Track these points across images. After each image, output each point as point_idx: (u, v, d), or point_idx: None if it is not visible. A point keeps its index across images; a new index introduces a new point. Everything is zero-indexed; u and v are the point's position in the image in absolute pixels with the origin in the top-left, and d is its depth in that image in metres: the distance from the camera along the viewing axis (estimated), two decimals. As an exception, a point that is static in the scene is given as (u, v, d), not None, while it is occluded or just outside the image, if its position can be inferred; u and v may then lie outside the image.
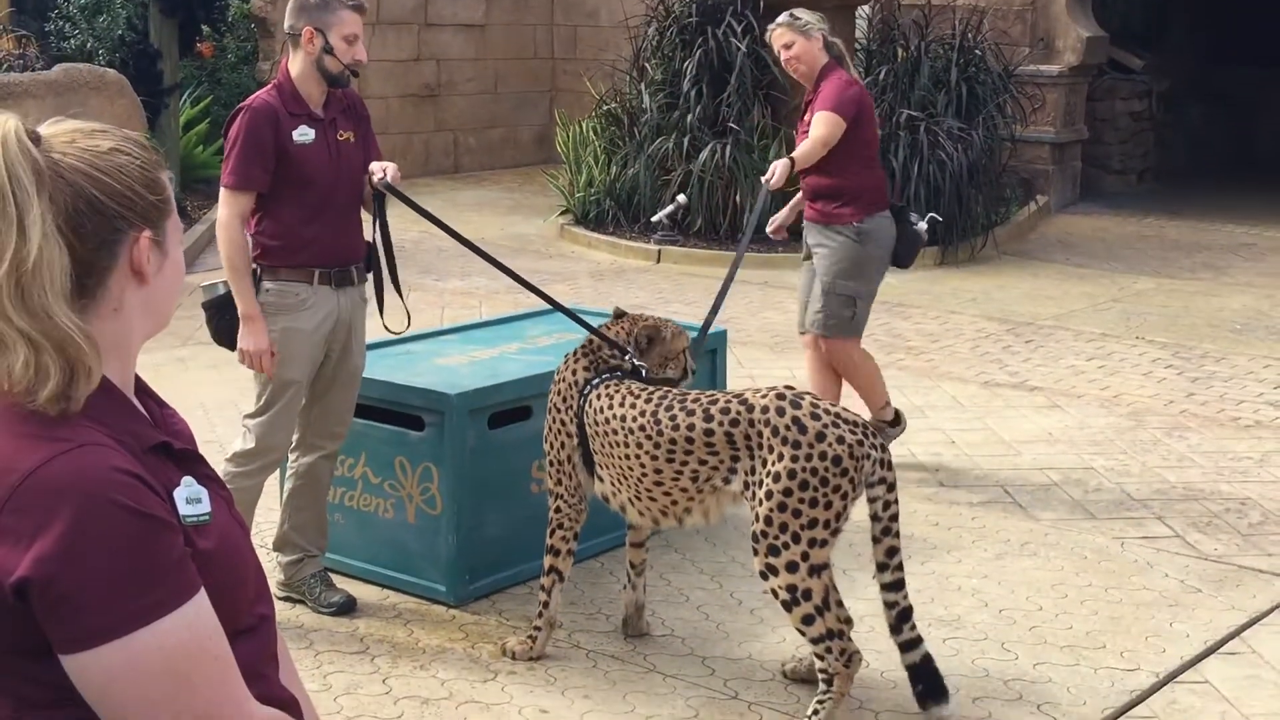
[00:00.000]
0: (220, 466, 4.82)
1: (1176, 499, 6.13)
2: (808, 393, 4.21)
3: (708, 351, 5.95)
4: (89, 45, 13.46)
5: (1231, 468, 6.54)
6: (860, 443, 4.04)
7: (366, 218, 4.92)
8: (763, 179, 5.92)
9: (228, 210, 4.66)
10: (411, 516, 5.04)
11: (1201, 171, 15.69)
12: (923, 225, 6.39)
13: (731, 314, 9.25)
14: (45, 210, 1.62)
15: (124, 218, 1.70)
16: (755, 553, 4.08)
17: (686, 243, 11.68)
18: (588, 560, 5.29)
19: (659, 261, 11.47)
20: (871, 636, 4.48)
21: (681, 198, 11.46)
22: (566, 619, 4.83)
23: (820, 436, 4.00)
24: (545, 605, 4.59)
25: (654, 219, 11.57)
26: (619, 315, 4.76)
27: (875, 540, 4.15)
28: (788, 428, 4.03)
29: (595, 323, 4.82)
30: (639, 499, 4.38)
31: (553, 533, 4.59)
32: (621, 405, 4.35)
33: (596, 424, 4.42)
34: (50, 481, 1.58)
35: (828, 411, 4.08)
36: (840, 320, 6.21)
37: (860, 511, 4.16)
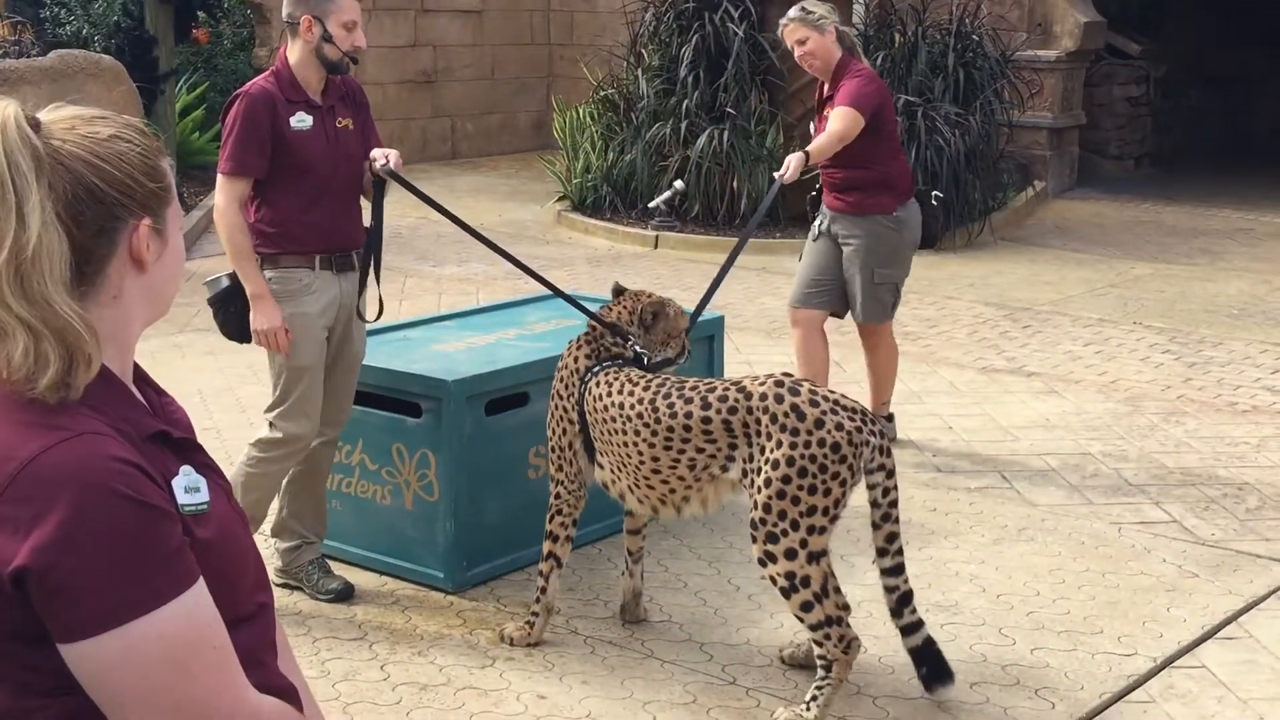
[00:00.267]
0: (244, 451, 4.83)
1: (1174, 484, 6.14)
2: (806, 380, 4.21)
3: (705, 337, 5.95)
4: (84, 31, 13.44)
5: (1229, 453, 6.55)
6: (859, 429, 4.04)
7: (367, 205, 4.91)
8: (776, 174, 5.91)
9: (225, 196, 4.66)
10: (409, 503, 5.04)
11: (1199, 156, 15.69)
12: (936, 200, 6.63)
13: (728, 300, 9.25)
14: (44, 197, 1.62)
15: (123, 205, 1.69)
16: (754, 540, 4.09)
17: (684, 229, 11.67)
18: (586, 546, 5.29)
19: (656, 247, 11.47)
20: (870, 622, 4.49)
21: (679, 184, 11.48)
22: (564, 605, 4.84)
23: (819, 423, 4.01)
24: (543, 591, 4.59)
25: (651, 205, 11.57)
26: (619, 292, 4.76)
27: (875, 526, 4.16)
28: (786, 415, 4.03)
29: (595, 309, 4.82)
30: (637, 486, 4.38)
31: (551, 519, 4.60)
32: (620, 393, 4.35)
33: (596, 411, 4.42)
34: (49, 470, 1.58)
35: (826, 398, 4.08)
36: (885, 307, 6.42)
37: (859, 498, 4.17)
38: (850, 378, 7.35)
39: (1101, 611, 4.88)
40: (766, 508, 4.02)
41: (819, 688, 4.07)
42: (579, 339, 4.62)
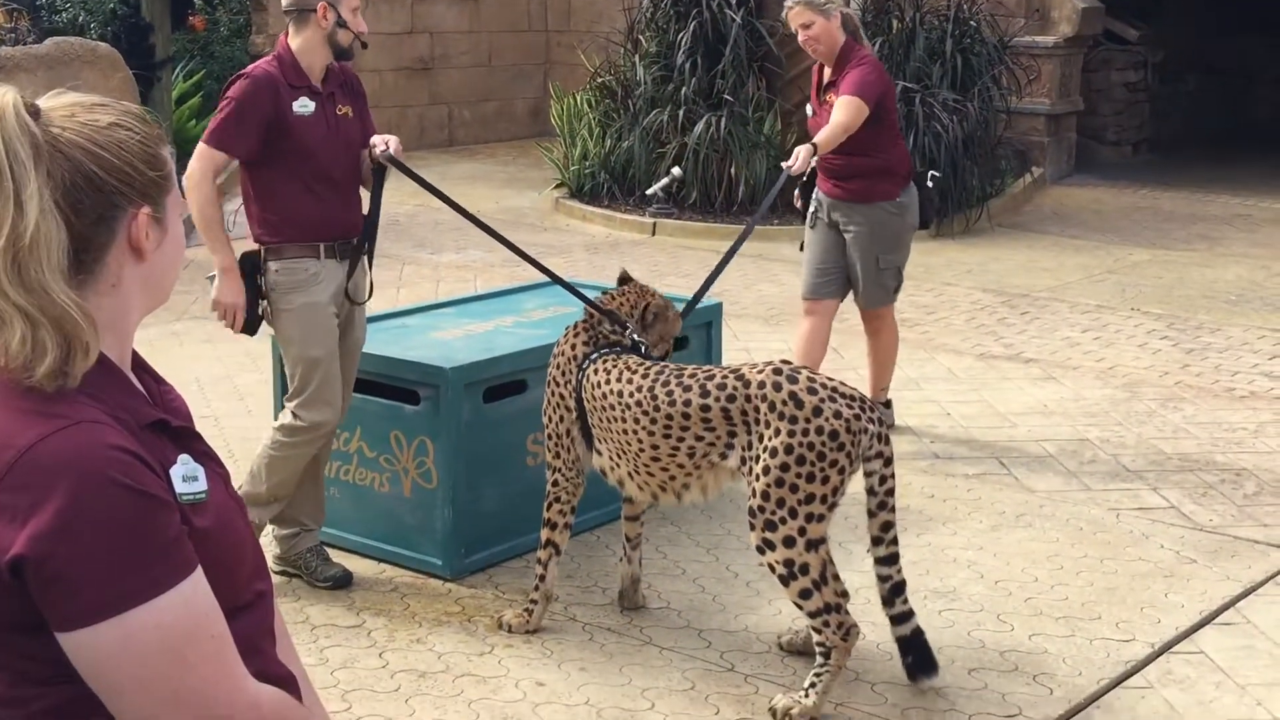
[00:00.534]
0: (267, 434, 4.83)
1: (1172, 470, 6.14)
2: (805, 367, 4.21)
3: (703, 324, 5.95)
4: (81, 19, 13.41)
5: (1227, 438, 6.55)
6: (857, 417, 4.04)
7: (365, 195, 4.91)
8: (784, 164, 5.87)
9: (200, 165, 4.64)
10: (407, 490, 5.04)
11: (1197, 142, 15.67)
12: (930, 180, 6.71)
13: (726, 287, 9.24)
14: (43, 185, 1.61)
15: (122, 194, 1.69)
16: (752, 527, 4.09)
17: (681, 215, 11.66)
18: (584, 533, 5.29)
19: (654, 234, 11.46)
20: (868, 609, 4.49)
21: (676, 170, 11.48)
22: (563, 592, 4.84)
23: (817, 411, 4.00)
24: (541, 578, 4.60)
25: (649, 192, 11.56)
26: (624, 280, 4.76)
27: (871, 514, 4.16)
28: (784, 403, 4.03)
29: (593, 296, 4.82)
30: (636, 474, 4.38)
31: (549, 506, 4.60)
32: (619, 380, 4.35)
33: (594, 399, 4.42)
34: (47, 458, 1.57)
35: (825, 385, 4.08)
36: (888, 292, 6.46)
37: (857, 485, 4.17)
38: (848, 364, 7.35)
39: (1099, 597, 4.89)
40: (765, 495, 4.02)
41: (817, 674, 4.07)
42: (576, 326, 4.61)
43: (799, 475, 3.99)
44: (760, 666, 4.39)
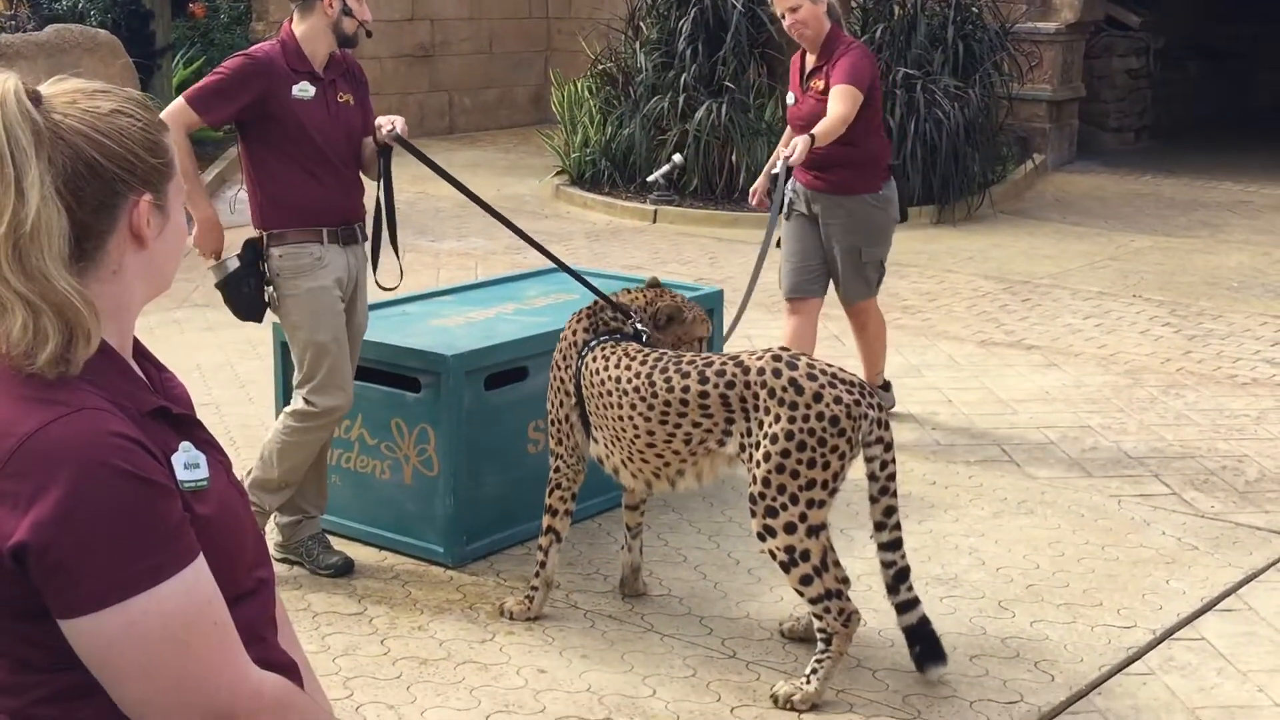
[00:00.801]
0: (279, 420, 4.82)
1: (1173, 456, 6.14)
2: (804, 354, 4.20)
3: (705, 312, 5.93)
4: (81, 6, 13.37)
5: (1228, 425, 6.55)
6: (857, 402, 4.03)
7: (369, 184, 4.90)
8: (784, 154, 5.74)
9: (172, 118, 4.55)
10: (408, 478, 5.04)
11: (1199, 129, 15.66)
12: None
13: (728, 274, 9.25)
14: (44, 172, 1.61)
15: (124, 181, 1.68)
16: (753, 514, 4.09)
17: (682, 202, 11.65)
18: (585, 521, 5.29)
19: (655, 221, 11.45)
20: (869, 595, 4.49)
21: (677, 157, 11.48)
22: (564, 579, 4.84)
23: (817, 397, 4.00)
24: (542, 565, 4.60)
25: (650, 179, 11.56)
26: (652, 285, 4.76)
27: (873, 500, 4.16)
28: (784, 389, 4.03)
29: (597, 284, 4.81)
30: (631, 461, 4.38)
31: (551, 493, 4.60)
32: (617, 367, 4.35)
33: (592, 385, 4.42)
34: (48, 445, 1.57)
35: (824, 372, 4.07)
36: (870, 285, 6.34)
37: (858, 471, 4.17)
38: (849, 351, 7.33)
39: (1101, 584, 4.89)
40: (765, 482, 4.02)
41: (819, 661, 4.08)
42: (580, 313, 4.61)
43: (800, 461, 3.98)
44: (762, 653, 4.40)
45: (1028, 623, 4.60)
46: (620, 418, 4.32)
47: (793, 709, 4.04)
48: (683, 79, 11.80)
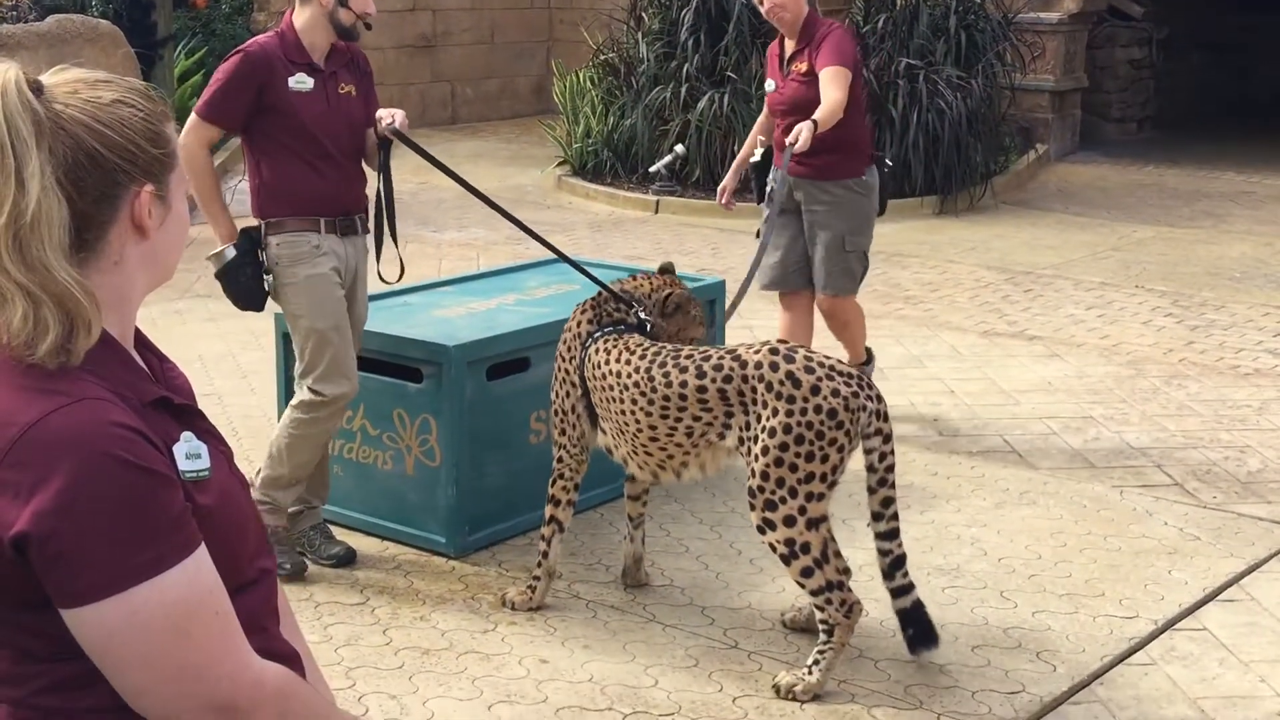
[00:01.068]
0: (285, 414, 4.79)
1: (1176, 447, 6.14)
2: (801, 346, 4.20)
3: (705, 303, 5.93)
4: (82, -4, 13.35)
5: (1231, 416, 6.55)
6: (855, 394, 4.03)
7: (370, 174, 4.89)
8: (788, 140, 5.60)
9: (193, 136, 4.65)
10: (410, 468, 5.04)
11: (1201, 119, 15.63)
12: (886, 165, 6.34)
13: (729, 265, 9.24)
14: (45, 162, 1.61)
15: (125, 171, 1.68)
16: (752, 508, 4.09)
17: (685, 193, 11.64)
18: (587, 511, 5.30)
19: (657, 212, 11.44)
20: (871, 586, 4.49)
21: (679, 148, 11.46)
22: (566, 569, 4.85)
23: (815, 390, 4.00)
24: (545, 556, 4.60)
25: (652, 169, 11.54)
26: (664, 270, 4.75)
27: (871, 491, 4.16)
28: (781, 383, 4.02)
29: (600, 274, 4.81)
30: (636, 454, 4.39)
31: (554, 483, 4.60)
32: (618, 361, 4.35)
33: (594, 378, 4.42)
34: (49, 435, 1.57)
35: (821, 364, 4.07)
36: (854, 278, 6.11)
37: (859, 461, 4.17)
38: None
39: (1103, 574, 4.89)
40: (764, 475, 4.02)
41: (821, 651, 4.08)
42: (584, 303, 4.61)
43: (798, 454, 3.98)
44: (764, 644, 4.40)
45: (1030, 613, 4.60)
46: (622, 412, 4.33)
47: (794, 699, 4.04)
48: (685, 69, 11.78)
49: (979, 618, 4.57)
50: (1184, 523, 5.33)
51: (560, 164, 12.78)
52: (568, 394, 4.54)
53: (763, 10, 6.06)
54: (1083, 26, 13.61)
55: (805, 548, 4.03)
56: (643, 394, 4.26)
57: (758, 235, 6.06)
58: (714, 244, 10.21)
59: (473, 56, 16.25)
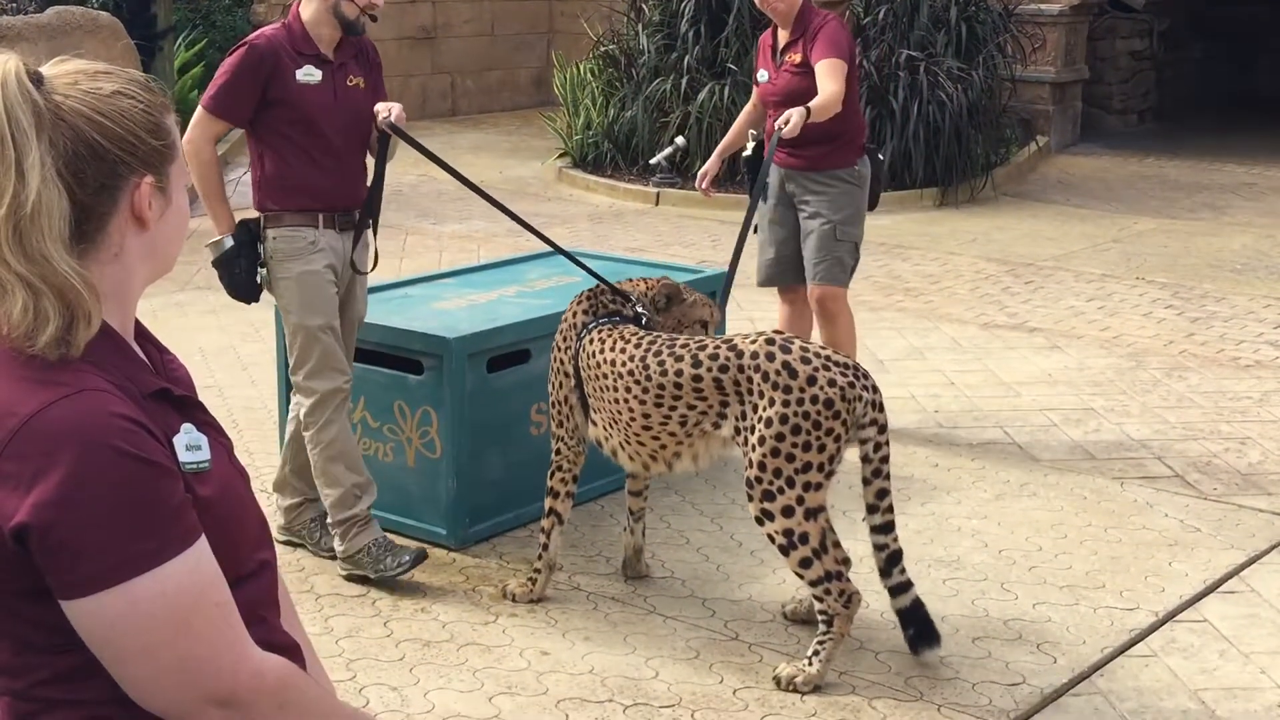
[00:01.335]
0: (305, 436, 4.71)
1: (1176, 439, 6.14)
2: (797, 337, 4.20)
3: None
4: (82, -12, 13.33)
5: (1231, 407, 6.55)
6: (852, 384, 4.03)
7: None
8: (778, 124, 5.50)
9: (199, 131, 4.61)
10: (411, 460, 5.04)
11: (1203, 111, 15.62)
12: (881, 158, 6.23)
13: (729, 256, 9.22)
14: (45, 153, 1.61)
15: (125, 163, 1.67)
16: (750, 498, 4.09)
17: (685, 185, 11.61)
18: (588, 503, 5.30)
19: (658, 204, 11.44)
20: (871, 577, 4.49)
21: (680, 140, 11.39)
22: (567, 561, 4.85)
23: (811, 380, 4.00)
24: (545, 548, 4.60)
25: (652, 161, 11.51)
26: (662, 280, 4.75)
27: (866, 482, 4.15)
28: (778, 373, 4.02)
29: (597, 267, 4.81)
30: (628, 444, 4.38)
31: (552, 474, 4.60)
32: (612, 350, 4.35)
33: (589, 367, 4.42)
34: (49, 426, 1.57)
35: (818, 355, 4.07)
36: (845, 269, 6.00)
37: (859, 452, 4.17)
38: (864, 349, 7.32)
39: (1103, 566, 4.89)
40: (761, 466, 4.02)
41: (821, 642, 4.08)
42: (581, 295, 4.61)
43: (795, 445, 3.98)
44: (764, 635, 4.40)
45: (1030, 605, 4.61)
46: (616, 400, 4.33)
47: (795, 691, 4.05)
48: (685, 61, 11.77)
49: (979, 610, 4.58)
50: (1184, 514, 5.33)
51: (560, 156, 12.78)
52: (562, 385, 4.55)
53: (757, 1, 5.98)
54: (1084, 18, 13.60)
55: (804, 538, 4.03)
56: (637, 382, 4.26)
57: (756, 230, 6.03)
58: (714, 236, 10.20)
59: (473, 48, 16.23)
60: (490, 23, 16.37)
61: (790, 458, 3.99)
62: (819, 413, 3.98)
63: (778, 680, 4.09)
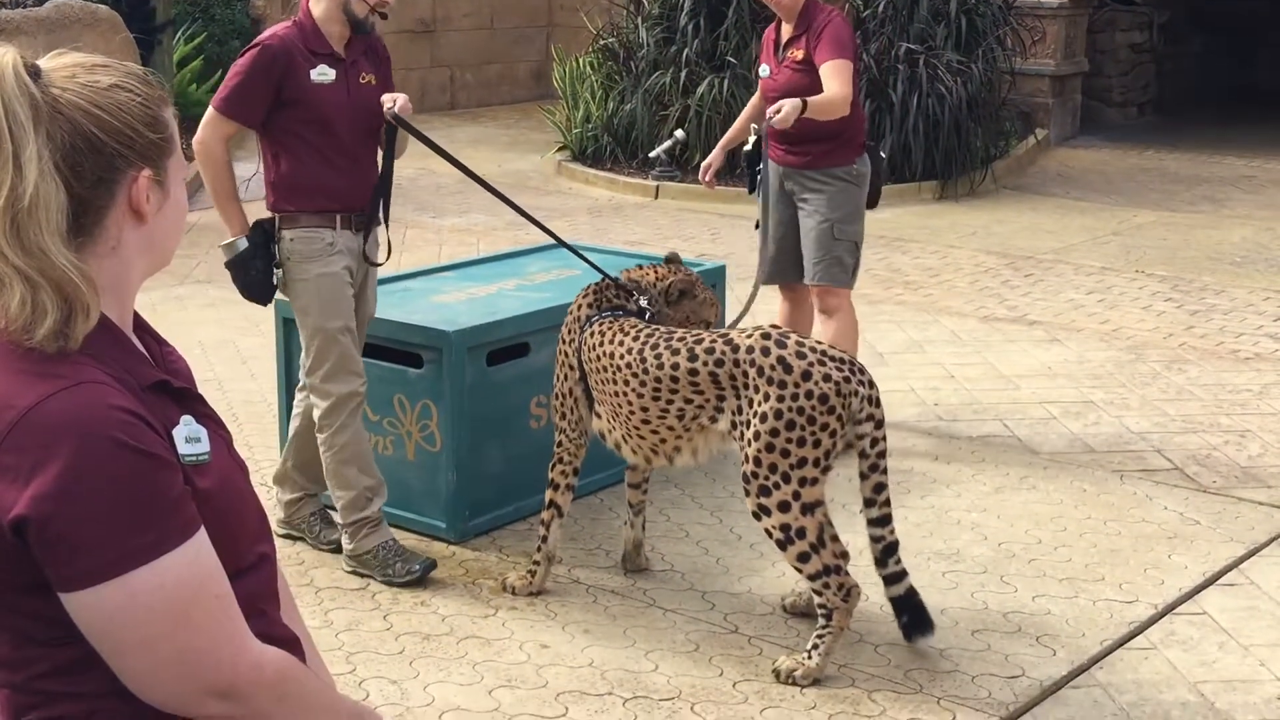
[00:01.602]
0: (319, 440, 4.70)
1: (1175, 432, 6.14)
2: (793, 332, 4.20)
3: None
4: (81, -19, 13.31)
5: (1231, 400, 6.55)
6: (847, 379, 4.03)
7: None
8: (768, 112, 5.46)
9: (211, 132, 4.55)
10: (411, 454, 5.04)
11: (1202, 104, 15.61)
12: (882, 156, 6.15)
13: (729, 251, 9.24)
14: (42, 147, 1.60)
15: (123, 156, 1.67)
16: (747, 493, 4.09)
17: (685, 178, 11.61)
18: (588, 496, 5.30)
19: (657, 197, 11.43)
20: (870, 570, 4.49)
21: (679, 133, 11.42)
22: (566, 554, 4.85)
23: (806, 375, 4.00)
24: (544, 540, 4.60)
25: (652, 154, 11.52)
26: (669, 260, 4.74)
27: (863, 477, 4.15)
28: (773, 368, 4.02)
29: (599, 260, 4.81)
30: (630, 437, 4.39)
31: (553, 467, 4.61)
32: (612, 343, 4.35)
33: (591, 360, 4.43)
34: (48, 419, 1.57)
35: (814, 349, 4.07)
36: (845, 268, 5.90)
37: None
38: (863, 342, 7.32)
39: (1103, 559, 4.89)
40: (757, 461, 4.02)
41: (820, 636, 4.09)
42: (587, 288, 4.61)
43: (790, 440, 3.98)
44: (763, 628, 4.40)
45: (1030, 597, 4.61)
46: (616, 393, 4.33)
47: (795, 684, 4.05)
48: (685, 54, 11.76)
49: (979, 602, 4.58)
50: (1184, 507, 5.33)
51: (560, 149, 12.77)
52: (566, 377, 4.55)
53: None
54: (1083, 10, 13.59)
55: (801, 532, 4.03)
56: (635, 375, 4.26)
57: (757, 226, 6.00)
58: (714, 229, 10.20)
59: (472, 42, 16.22)
60: (489, 16, 16.36)
61: (785, 453, 3.99)
62: (814, 408, 3.98)
63: (777, 673, 4.09)
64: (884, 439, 4.13)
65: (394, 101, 4.61)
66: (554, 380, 4.62)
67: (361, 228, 4.73)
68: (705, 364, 4.14)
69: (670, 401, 4.22)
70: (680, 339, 4.24)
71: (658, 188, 11.48)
